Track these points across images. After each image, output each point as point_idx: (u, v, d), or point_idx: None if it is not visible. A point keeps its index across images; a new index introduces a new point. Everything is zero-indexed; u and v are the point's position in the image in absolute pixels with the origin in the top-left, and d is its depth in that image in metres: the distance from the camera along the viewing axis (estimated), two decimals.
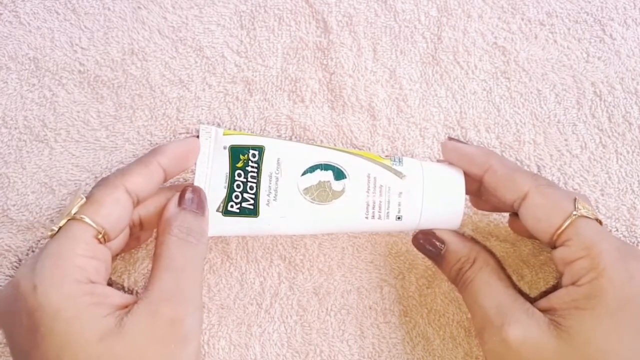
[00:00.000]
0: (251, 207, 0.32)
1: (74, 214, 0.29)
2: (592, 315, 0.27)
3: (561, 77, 0.39)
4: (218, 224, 0.33)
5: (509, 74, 0.39)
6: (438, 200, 0.32)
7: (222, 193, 0.33)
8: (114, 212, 0.29)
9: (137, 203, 0.31)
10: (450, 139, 0.34)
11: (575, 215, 0.29)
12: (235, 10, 0.40)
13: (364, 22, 0.39)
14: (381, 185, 0.32)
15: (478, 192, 0.35)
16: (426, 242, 0.33)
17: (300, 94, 0.39)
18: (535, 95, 0.39)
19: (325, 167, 0.33)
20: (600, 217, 0.37)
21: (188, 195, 0.31)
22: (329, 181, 0.32)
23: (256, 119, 0.39)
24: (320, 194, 0.32)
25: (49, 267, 0.27)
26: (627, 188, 0.38)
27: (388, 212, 0.32)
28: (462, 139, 0.38)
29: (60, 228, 0.29)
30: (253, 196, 0.32)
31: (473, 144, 0.37)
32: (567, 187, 0.38)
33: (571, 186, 0.38)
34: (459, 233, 0.34)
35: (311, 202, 0.32)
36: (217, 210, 0.33)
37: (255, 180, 0.32)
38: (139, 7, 0.39)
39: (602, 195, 0.38)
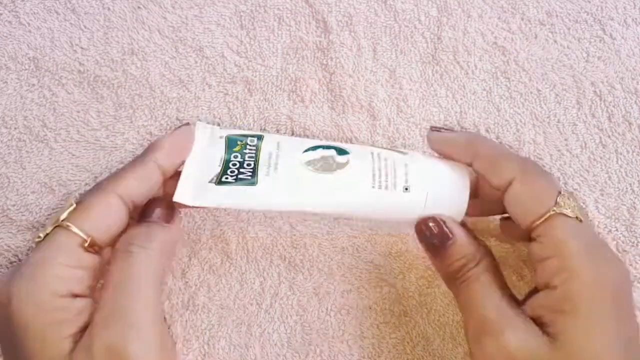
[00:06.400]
0: (249, 177, 0.30)
1: (62, 220, 0.28)
2: (574, 318, 0.27)
3: (561, 76, 0.39)
4: (210, 194, 0.30)
5: (509, 73, 0.39)
6: (444, 176, 0.31)
7: (216, 170, 0.31)
8: (104, 220, 0.28)
9: (132, 206, 0.30)
10: (433, 128, 0.33)
11: (553, 211, 0.29)
12: (235, 10, 0.39)
13: (364, 22, 0.39)
14: (386, 158, 0.31)
15: (474, 193, 0.34)
16: (436, 227, 0.31)
17: (300, 93, 0.39)
18: (535, 95, 0.39)
19: (327, 147, 0.32)
20: (600, 217, 0.38)
21: (153, 207, 0.30)
22: (332, 156, 0.31)
23: (256, 118, 0.39)
24: (324, 165, 0.31)
25: (26, 278, 0.26)
26: (627, 188, 0.38)
27: (395, 182, 0.31)
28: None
29: (46, 235, 0.28)
30: (251, 170, 0.30)
31: (457, 130, 0.36)
32: (567, 187, 0.38)
33: (571, 186, 0.38)
34: (468, 229, 0.32)
35: (315, 171, 0.30)
36: (210, 182, 0.30)
37: (253, 159, 0.31)
38: (138, 7, 0.39)
39: (602, 195, 0.38)
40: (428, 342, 0.37)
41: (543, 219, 0.29)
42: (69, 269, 0.27)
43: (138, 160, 0.31)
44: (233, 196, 0.30)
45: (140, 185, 0.30)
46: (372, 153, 0.32)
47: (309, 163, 0.31)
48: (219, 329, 0.36)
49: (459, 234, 0.31)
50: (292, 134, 0.38)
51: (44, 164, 0.37)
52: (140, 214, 0.30)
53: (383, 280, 0.37)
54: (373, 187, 0.30)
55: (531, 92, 0.39)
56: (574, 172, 0.38)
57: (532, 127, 0.39)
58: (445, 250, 0.31)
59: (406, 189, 0.31)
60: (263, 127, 0.38)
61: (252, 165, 0.30)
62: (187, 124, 0.33)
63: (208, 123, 0.36)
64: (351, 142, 0.38)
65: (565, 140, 0.39)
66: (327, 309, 0.37)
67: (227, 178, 0.30)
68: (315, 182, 0.30)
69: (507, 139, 0.39)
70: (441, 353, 0.36)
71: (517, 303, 0.30)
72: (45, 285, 0.26)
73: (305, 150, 0.31)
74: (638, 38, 0.40)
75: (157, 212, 0.30)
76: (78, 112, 0.38)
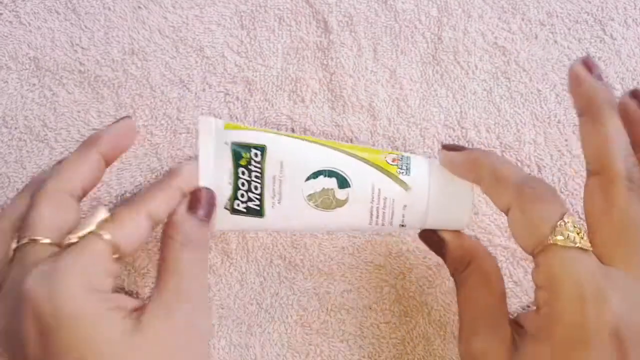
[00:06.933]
0: (257, 207, 0.33)
1: (97, 228, 0.29)
2: (540, 346, 0.27)
3: (561, 77, 0.39)
4: (225, 220, 0.33)
5: (509, 74, 0.39)
6: (443, 212, 0.32)
7: (228, 190, 0.32)
8: (134, 234, 0.30)
9: (83, 194, 0.32)
10: (443, 147, 0.33)
11: (550, 241, 0.27)
12: (236, 10, 0.40)
13: (364, 22, 0.40)
14: (385, 198, 0.32)
15: None
16: (429, 239, 0.33)
17: (300, 94, 0.39)
18: (536, 95, 0.39)
19: (329, 173, 0.32)
20: None
21: (200, 200, 0.32)
22: (332, 189, 0.32)
23: (256, 119, 0.39)
24: (324, 202, 0.32)
25: (70, 276, 0.27)
26: None
27: (392, 221, 0.32)
28: (462, 139, 0.38)
29: (79, 239, 0.29)
30: (258, 197, 0.32)
31: (463, 151, 0.33)
32: (567, 188, 0.38)
33: (571, 186, 0.38)
34: (461, 233, 0.33)
35: (315, 208, 0.32)
36: (225, 208, 0.33)
37: (259, 181, 0.32)
38: (139, 7, 0.39)
39: None
40: (429, 342, 0.37)
41: (539, 249, 0.27)
42: (105, 277, 0.29)
43: (81, 152, 0.32)
44: (244, 224, 0.33)
45: (89, 176, 0.32)
46: (372, 187, 0.32)
47: (310, 198, 0.32)
48: (219, 329, 0.36)
49: (448, 239, 0.33)
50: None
51: (44, 164, 0.37)
52: (192, 206, 0.31)
53: (383, 280, 0.37)
54: (370, 224, 0.33)
55: (531, 93, 0.39)
56: (575, 172, 0.38)
57: (532, 128, 0.39)
58: (443, 254, 0.33)
59: (402, 225, 0.33)
60: (264, 127, 0.38)
61: (259, 191, 0.32)
62: (128, 116, 0.34)
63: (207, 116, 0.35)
64: (352, 142, 0.38)
65: (566, 140, 0.39)
66: (327, 309, 0.37)
67: (238, 205, 0.32)
68: (316, 218, 0.33)
69: (507, 139, 0.39)
70: (442, 353, 0.36)
71: (504, 306, 0.30)
72: (87, 285, 0.27)
73: (308, 179, 0.32)
74: (638, 38, 0.40)
75: (205, 212, 0.32)
76: (78, 112, 0.38)
